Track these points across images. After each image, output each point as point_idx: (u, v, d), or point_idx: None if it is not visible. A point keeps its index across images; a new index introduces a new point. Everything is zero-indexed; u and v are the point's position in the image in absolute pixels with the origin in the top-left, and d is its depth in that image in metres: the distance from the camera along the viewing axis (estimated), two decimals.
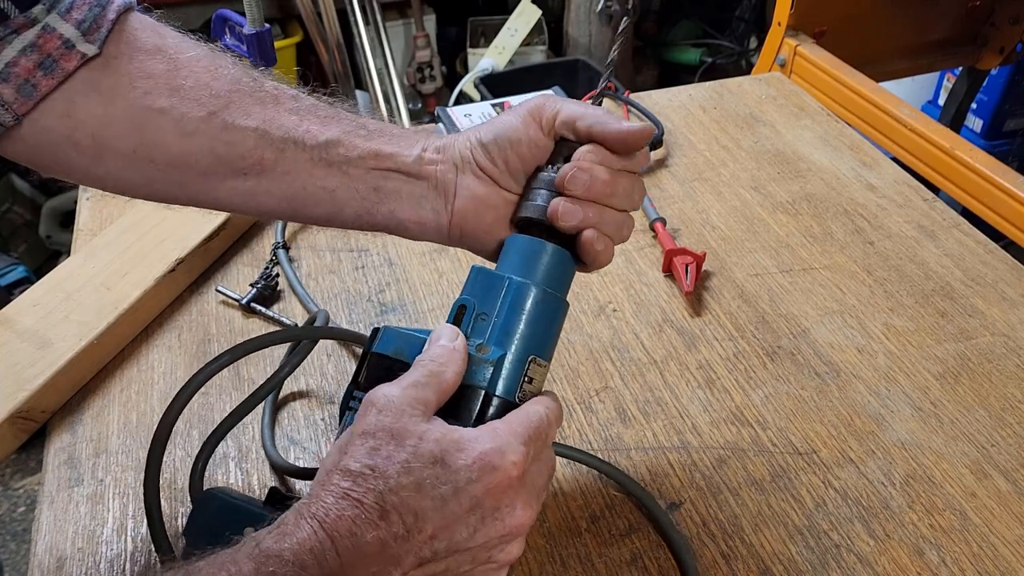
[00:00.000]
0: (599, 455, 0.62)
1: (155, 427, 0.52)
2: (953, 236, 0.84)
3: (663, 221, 0.83)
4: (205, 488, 0.53)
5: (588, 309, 0.75)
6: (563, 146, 0.49)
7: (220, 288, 0.75)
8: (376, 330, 0.47)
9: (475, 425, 0.43)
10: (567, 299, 0.49)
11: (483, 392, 0.44)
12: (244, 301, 0.73)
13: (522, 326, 0.46)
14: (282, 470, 0.60)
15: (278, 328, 0.70)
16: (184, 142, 0.48)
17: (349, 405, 0.47)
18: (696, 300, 0.76)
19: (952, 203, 0.96)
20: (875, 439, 0.63)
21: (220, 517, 0.49)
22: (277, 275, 0.76)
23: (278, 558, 0.36)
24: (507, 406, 0.45)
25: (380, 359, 0.46)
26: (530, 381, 0.46)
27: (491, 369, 0.44)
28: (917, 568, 0.55)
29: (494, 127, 0.50)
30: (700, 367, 0.69)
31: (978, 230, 0.85)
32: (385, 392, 0.41)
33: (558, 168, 0.48)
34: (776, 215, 0.87)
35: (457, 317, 0.46)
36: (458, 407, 0.44)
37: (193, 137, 0.48)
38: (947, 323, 0.74)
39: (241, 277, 0.78)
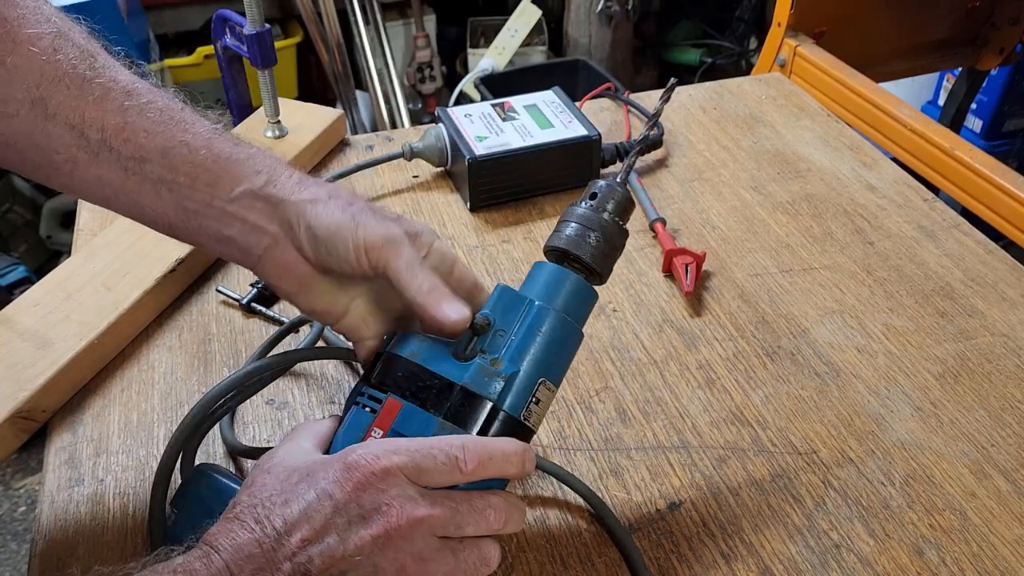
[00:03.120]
0: (599, 455, 0.62)
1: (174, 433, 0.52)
2: (953, 236, 0.84)
3: (663, 221, 0.83)
4: (196, 464, 0.54)
5: None
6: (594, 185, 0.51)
7: (220, 288, 0.75)
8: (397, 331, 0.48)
9: (481, 433, 0.44)
10: (583, 331, 0.50)
11: (491, 404, 0.45)
12: (244, 301, 0.73)
13: (537, 348, 0.47)
14: (234, 450, 0.61)
15: (279, 327, 0.70)
16: (3, 123, 0.45)
17: (356, 400, 0.47)
18: (696, 300, 0.76)
19: (952, 203, 0.96)
20: (875, 439, 0.63)
21: (209, 492, 0.49)
22: None
23: (171, 572, 0.39)
24: (512, 423, 0.45)
25: (394, 360, 0.47)
26: (537, 403, 0.46)
27: (502, 383, 0.45)
28: (917, 568, 0.55)
29: (329, 228, 0.47)
30: (700, 367, 0.69)
31: (978, 230, 0.85)
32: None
33: (591, 204, 0.50)
34: (776, 215, 0.87)
35: (477, 329, 0.47)
36: (463, 415, 0.44)
37: (13, 120, 0.45)
38: (947, 323, 0.74)
39: (241, 277, 0.78)
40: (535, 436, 0.48)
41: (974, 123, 2.02)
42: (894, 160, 0.99)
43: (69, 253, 0.78)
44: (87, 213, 0.84)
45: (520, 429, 0.46)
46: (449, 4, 2.45)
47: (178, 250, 0.74)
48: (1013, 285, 0.78)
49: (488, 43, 2.31)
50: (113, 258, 0.74)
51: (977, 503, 0.59)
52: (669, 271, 0.78)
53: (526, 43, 2.29)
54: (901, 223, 0.86)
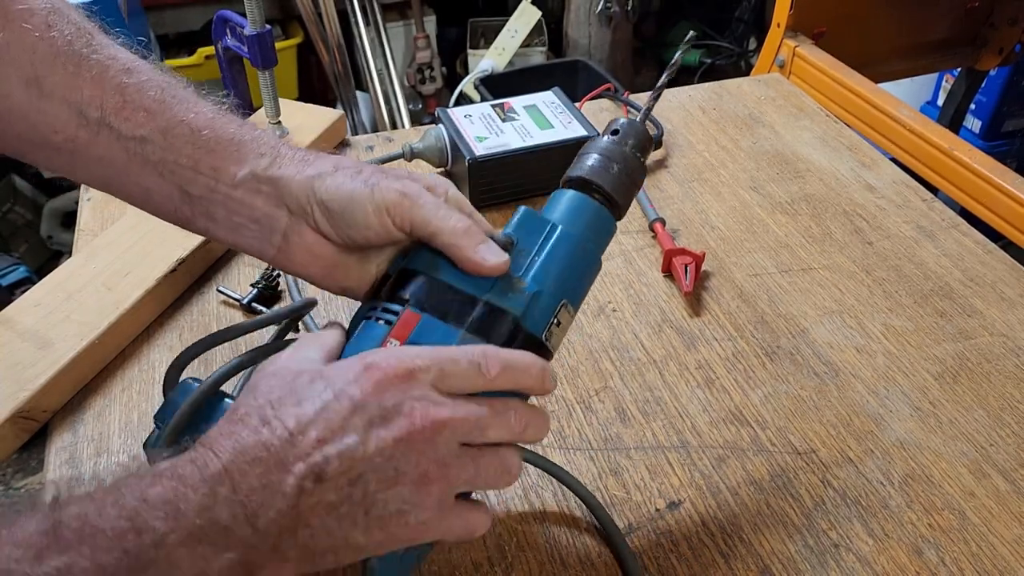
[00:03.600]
0: (599, 454, 0.62)
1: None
2: (952, 236, 0.84)
3: (662, 221, 0.83)
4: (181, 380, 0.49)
5: (587, 309, 0.75)
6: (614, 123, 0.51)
7: (221, 288, 0.75)
8: (410, 247, 0.47)
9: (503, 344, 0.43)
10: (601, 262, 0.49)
11: (514, 319, 0.44)
12: (245, 301, 0.73)
13: (560, 269, 0.46)
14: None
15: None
16: None
17: (367, 315, 0.45)
18: (695, 300, 0.76)
19: (951, 203, 0.96)
20: (874, 439, 0.64)
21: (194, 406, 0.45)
22: (278, 275, 0.76)
23: (156, 475, 0.35)
24: (533, 343, 0.44)
25: (410, 274, 0.45)
26: (558, 324, 0.46)
27: (525, 301, 0.44)
28: (916, 567, 0.55)
29: (342, 200, 0.45)
30: (699, 367, 0.69)
31: (977, 230, 0.85)
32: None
33: (612, 139, 0.50)
34: (775, 215, 0.87)
35: (504, 247, 0.46)
36: (486, 328, 0.43)
37: (7, 100, 0.44)
38: (946, 323, 0.74)
39: (242, 277, 0.78)
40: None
41: (973, 123, 2.02)
42: (893, 160, 0.99)
43: (70, 253, 0.78)
44: (88, 213, 0.85)
45: (540, 350, 0.45)
46: (449, 5, 2.45)
47: (179, 250, 0.74)
48: (1012, 285, 0.78)
49: (488, 44, 2.31)
50: (114, 258, 0.74)
51: (976, 503, 0.59)
52: (668, 271, 0.78)
53: (526, 44, 2.29)
54: (900, 223, 0.86)
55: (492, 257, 0.44)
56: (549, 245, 0.47)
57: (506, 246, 0.46)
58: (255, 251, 0.48)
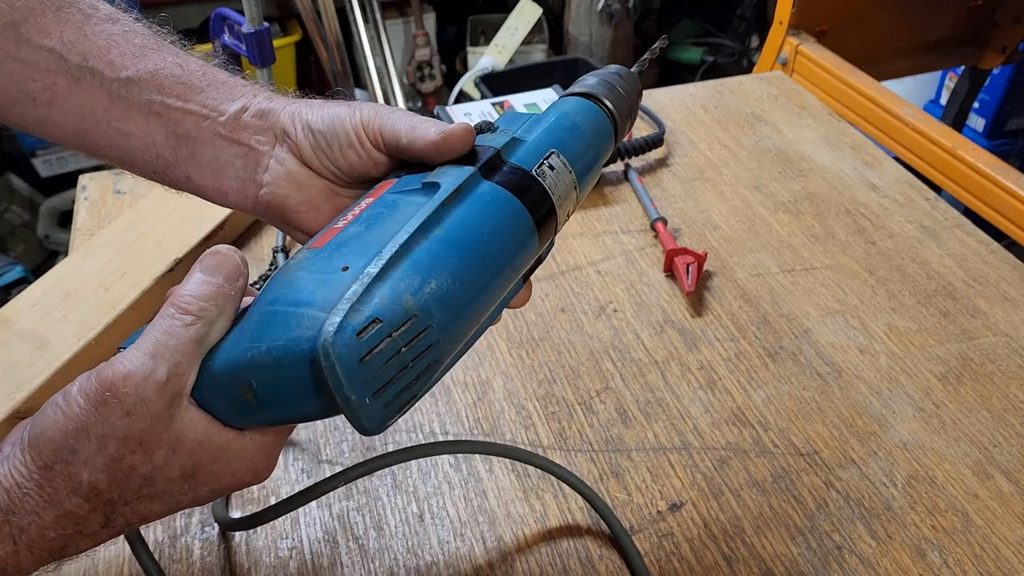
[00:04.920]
0: (600, 456, 0.62)
1: None
2: (955, 236, 0.83)
3: (664, 221, 0.83)
4: None
5: (589, 309, 0.74)
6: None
7: None
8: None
9: (484, 173, 0.39)
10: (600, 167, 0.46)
11: (495, 150, 0.40)
12: None
13: (549, 128, 0.42)
14: (223, 523, 0.56)
15: None
16: None
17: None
18: (697, 300, 0.76)
19: (954, 203, 0.96)
20: (877, 440, 0.63)
21: None
22: None
23: None
24: (522, 176, 0.40)
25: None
26: (551, 168, 0.41)
27: (507, 139, 0.41)
28: (919, 569, 0.55)
29: (327, 119, 0.43)
30: (701, 367, 0.69)
31: (980, 230, 0.84)
32: (133, 382, 0.33)
33: (607, 73, 0.47)
34: (778, 215, 0.86)
35: (479, 130, 0.43)
36: (466, 157, 0.40)
37: None
38: (949, 323, 0.73)
39: None
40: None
41: (976, 122, 2.02)
42: (896, 159, 0.99)
43: (67, 253, 0.78)
44: (85, 213, 0.84)
45: (531, 184, 0.40)
46: (449, 2, 2.44)
47: (176, 250, 0.74)
48: (1015, 285, 0.77)
49: (488, 41, 2.30)
50: (111, 258, 0.73)
51: (979, 504, 0.59)
52: (670, 271, 0.78)
53: (526, 41, 2.28)
54: (903, 222, 0.85)
55: (451, 126, 0.40)
56: (544, 116, 0.44)
57: (484, 128, 0.43)
58: (236, 195, 0.44)
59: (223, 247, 0.37)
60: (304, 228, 0.45)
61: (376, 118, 0.42)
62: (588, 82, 0.47)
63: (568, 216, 0.43)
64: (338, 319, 0.32)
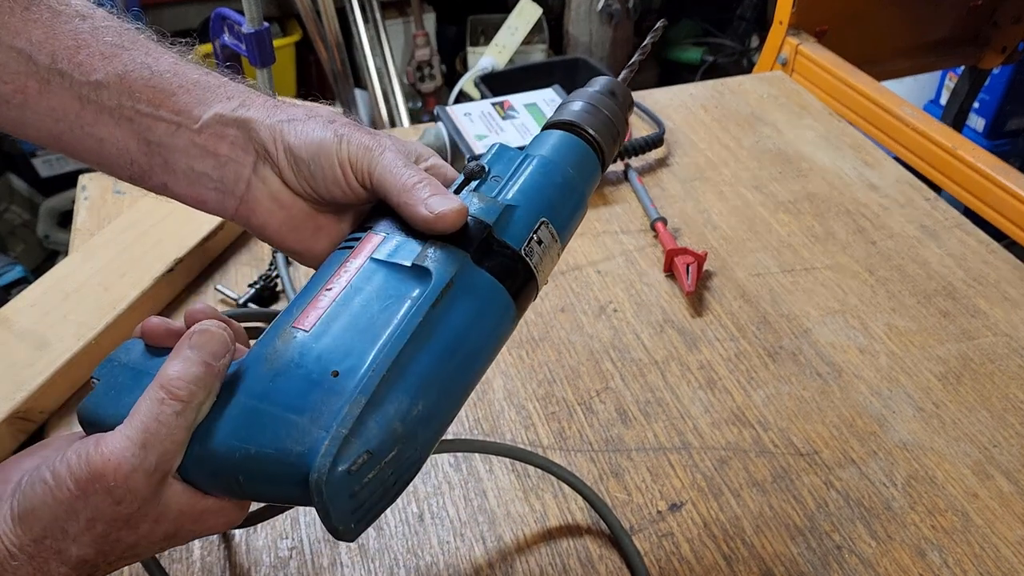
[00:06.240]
0: (600, 456, 0.62)
1: None
2: (955, 236, 0.83)
3: (664, 221, 0.83)
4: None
5: (588, 309, 0.74)
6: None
7: (219, 287, 0.74)
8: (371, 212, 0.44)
9: (476, 259, 0.38)
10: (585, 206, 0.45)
11: (486, 226, 0.39)
12: (242, 301, 0.73)
13: (539, 187, 0.42)
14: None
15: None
16: None
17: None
18: (697, 300, 0.76)
19: (954, 203, 0.96)
20: (877, 440, 0.63)
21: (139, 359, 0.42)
22: (276, 275, 0.76)
23: None
24: (511, 258, 0.39)
25: (376, 206, 0.43)
26: (539, 243, 0.41)
27: (499, 209, 0.40)
28: (919, 569, 0.55)
29: (310, 147, 0.41)
30: (701, 367, 0.69)
31: (980, 230, 0.84)
32: (123, 474, 0.34)
33: (596, 90, 0.47)
34: (778, 215, 0.86)
35: (471, 175, 0.42)
36: (456, 237, 0.39)
37: None
38: (949, 323, 0.73)
39: (240, 277, 0.77)
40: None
41: (976, 122, 2.02)
42: (896, 159, 0.99)
43: (67, 253, 0.78)
44: (85, 213, 0.84)
45: (518, 267, 0.40)
46: (449, 2, 2.44)
47: (176, 250, 0.74)
48: (1016, 285, 0.77)
49: (488, 41, 2.30)
50: (111, 258, 0.73)
51: (979, 504, 0.59)
52: (670, 271, 0.78)
53: (526, 41, 2.28)
54: (903, 222, 0.85)
55: (445, 204, 0.39)
56: (526, 167, 0.43)
57: (476, 172, 0.42)
58: (216, 205, 0.43)
59: (210, 323, 0.37)
60: (283, 246, 0.44)
61: (365, 159, 0.41)
62: (573, 108, 0.46)
63: (546, 281, 0.44)
64: (330, 459, 0.32)
